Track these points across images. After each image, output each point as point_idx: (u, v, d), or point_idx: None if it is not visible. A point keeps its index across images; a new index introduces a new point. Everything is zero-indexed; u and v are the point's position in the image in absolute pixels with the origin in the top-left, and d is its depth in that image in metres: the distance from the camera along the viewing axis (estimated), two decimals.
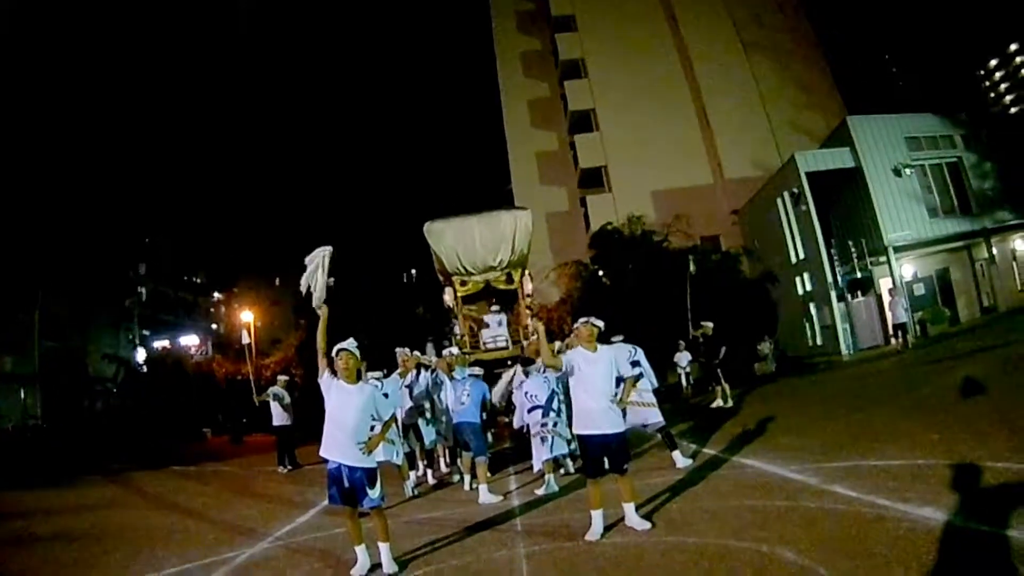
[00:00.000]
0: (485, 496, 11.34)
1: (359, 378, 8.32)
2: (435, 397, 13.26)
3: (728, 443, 12.93)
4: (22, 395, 47.67)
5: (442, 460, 14.25)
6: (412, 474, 13.24)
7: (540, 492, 11.18)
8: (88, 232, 51.30)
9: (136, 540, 10.82)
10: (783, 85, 47.86)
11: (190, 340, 58.49)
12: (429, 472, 14.16)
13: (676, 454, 11.72)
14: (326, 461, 7.77)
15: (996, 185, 33.39)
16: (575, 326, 8.60)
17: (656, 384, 12.18)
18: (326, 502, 9.25)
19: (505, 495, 11.54)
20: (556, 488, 11.27)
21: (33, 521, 12.88)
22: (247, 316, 42.35)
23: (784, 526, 7.07)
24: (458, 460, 13.38)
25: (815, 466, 9.53)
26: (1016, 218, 32.51)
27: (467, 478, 12.37)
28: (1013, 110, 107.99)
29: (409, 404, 13.28)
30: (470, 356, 16.34)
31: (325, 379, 7.82)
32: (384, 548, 7.75)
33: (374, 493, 7.70)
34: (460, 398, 12.52)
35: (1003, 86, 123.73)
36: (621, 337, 13.01)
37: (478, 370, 13.67)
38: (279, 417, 18.74)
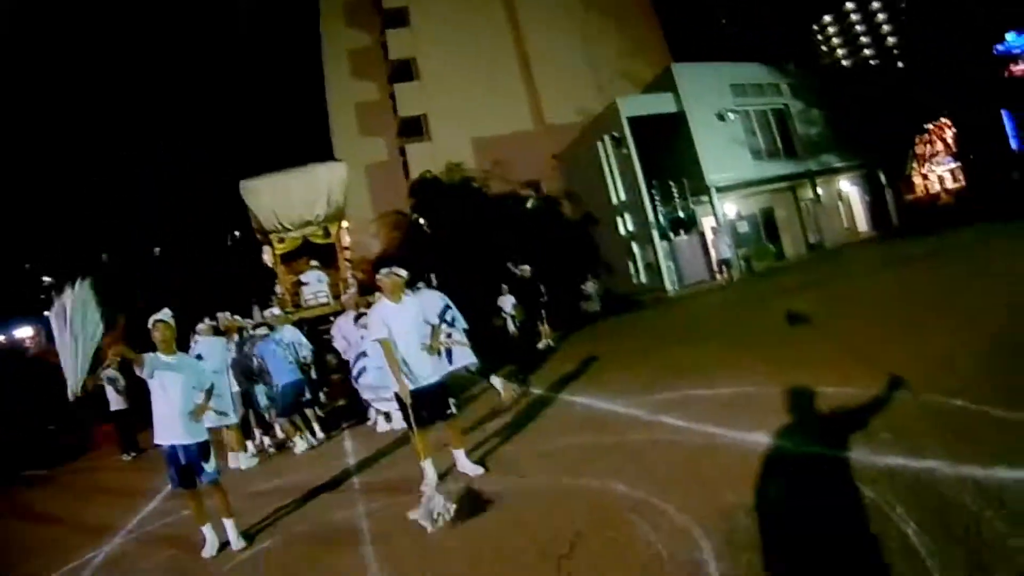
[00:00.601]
0: (300, 446, 12.11)
1: (177, 349, 7.93)
2: (263, 361, 12.79)
3: (555, 382, 13.05)
4: None
5: (277, 426, 13.85)
6: (249, 443, 13.08)
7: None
8: None
9: None
10: (609, 33, 48.60)
11: (24, 331, 55.18)
12: (266, 439, 13.90)
13: (494, 379, 11.57)
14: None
15: (823, 132, 36.02)
16: (378, 278, 8.37)
17: (466, 325, 12.16)
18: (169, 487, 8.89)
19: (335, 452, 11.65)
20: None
21: None
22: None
23: (615, 460, 7.16)
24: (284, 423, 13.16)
25: (643, 399, 9.67)
26: (842, 162, 34.42)
27: (298, 438, 12.33)
28: (845, 63, 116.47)
29: (235, 370, 12.92)
30: (293, 315, 16.04)
31: (144, 364, 7.42)
32: (229, 524, 7.63)
33: (210, 467, 7.58)
34: (286, 359, 12.48)
35: (836, 40, 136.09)
36: (421, 285, 12.96)
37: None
38: (115, 402, 17.84)
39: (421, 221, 35.53)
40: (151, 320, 7.62)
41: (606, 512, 5.78)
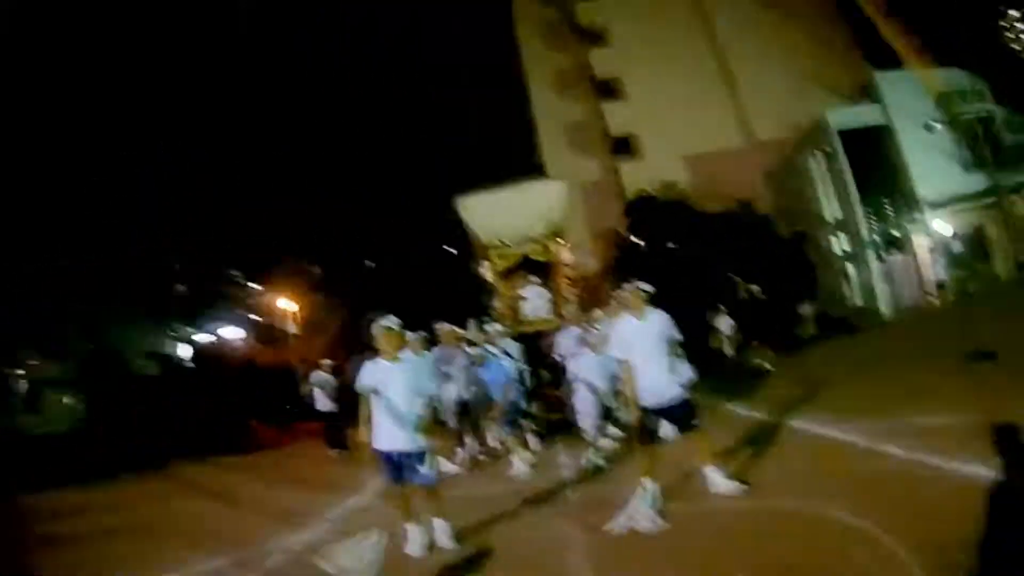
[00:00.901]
0: (518, 466, 11.68)
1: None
2: (482, 373, 13.25)
3: (775, 405, 12.85)
4: (64, 400, 48.65)
5: (489, 435, 14.29)
6: (459, 450, 13.38)
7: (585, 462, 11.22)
8: (119, 232, 51.77)
9: (189, 532, 11.00)
10: (806, 42, 47.06)
11: (232, 332, 58.90)
12: (477, 447, 14.12)
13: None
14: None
15: None
16: (619, 292, 8.35)
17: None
18: (377, 483, 9.35)
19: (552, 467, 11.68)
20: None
21: (86, 518, 13.12)
22: (287, 304, 42.79)
23: (835, 487, 7.04)
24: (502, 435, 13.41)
25: (862, 426, 9.39)
26: None
27: (515, 457, 12.20)
28: None
29: (451, 381, 13.38)
30: (511, 330, 16.41)
31: (363, 374, 7.79)
32: (440, 524, 7.78)
33: (426, 470, 7.70)
34: (505, 372, 12.82)
35: None
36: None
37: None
38: (323, 404, 18.67)
39: (636, 240, 35.48)
40: (376, 326, 7.82)
41: (821, 539, 5.75)
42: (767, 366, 18.91)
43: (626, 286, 8.39)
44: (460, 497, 10.33)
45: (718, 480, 7.91)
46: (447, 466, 12.48)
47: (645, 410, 7.90)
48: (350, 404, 18.23)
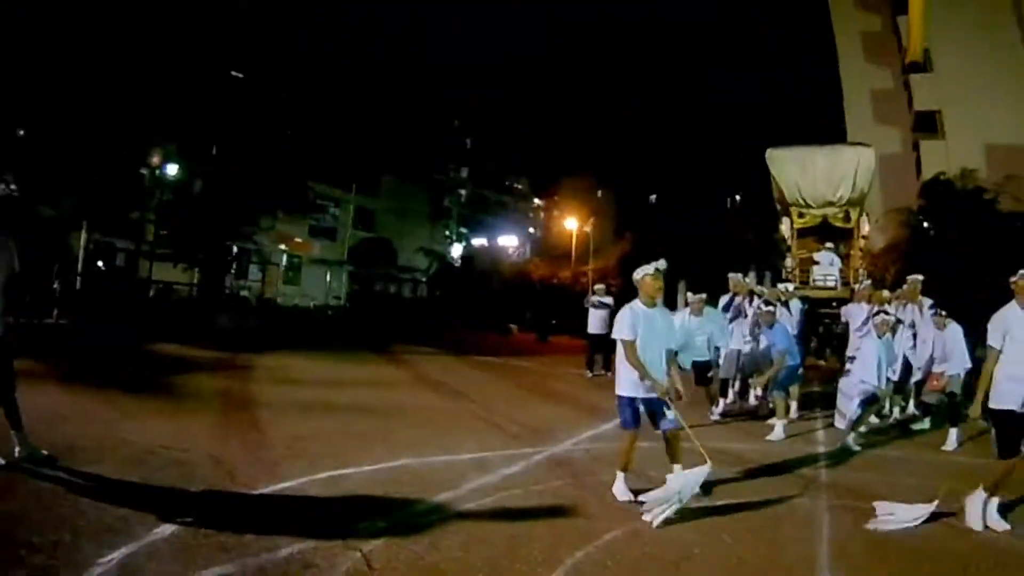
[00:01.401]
0: (778, 431, 11.29)
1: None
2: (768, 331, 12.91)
3: None
4: (327, 277, 52.15)
5: (753, 392, 14.01)
6: (722, 401, 13.30)
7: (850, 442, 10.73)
8: (408, 131, 54.05)
9: (429, 421, 11.54)
10: None
11: (508, 240, 60.68)
12: (739, 401, 14.13)
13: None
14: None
15: None
16: (1014, 280, 7.31)
17: None
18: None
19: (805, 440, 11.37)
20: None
21: (327, 391, 13.96)
22: (569, 223, 43.53)
23: None
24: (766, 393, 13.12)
25: None
26: None
27: (777, 422, 11.76)
28: None
29: (732, 330, 13.34)
30: (799, 291, 15.97)
31: (623, 319, 7.51)
32: (678, 470, 7.48)
33: (672, 416, 7.52)
34: (789, 333, 12.50)
35: None
36: (931, 302, 12.53)
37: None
38: (597, 325, 18.78)
39: (926, 224, 33.17)
40: (645, 269, 7.61)
41: None
42: None
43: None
44: (713, 448, 10.27)
45: None
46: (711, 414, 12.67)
47: (1009, 417, 6.83)
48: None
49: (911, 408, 13.29)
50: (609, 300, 19.01)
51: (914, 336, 12.70)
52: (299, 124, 34.62)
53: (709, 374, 12.98)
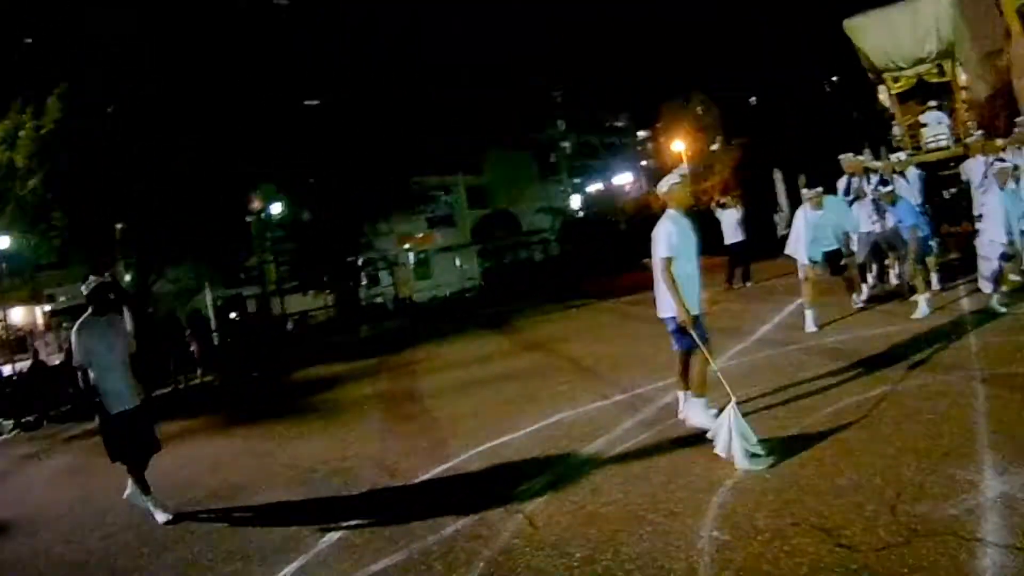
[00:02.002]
0: (922, 308, 10.87)
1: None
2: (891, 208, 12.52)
3: None
4: (456, 263, 52.70)
5: (891, 272, 13.60)
6: (864, 287, 13.02)
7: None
8: (496, 99, 53.81)
9: (578, 372, 11.64)
10: None
11: (623, 179, 60.30)
12: (878, 283, 13.80)
13: None
14: None
15: None
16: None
17: None
18: (777, 320, 9.36)
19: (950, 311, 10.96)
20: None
21: (475, 369, 14.14)
22: (677, 146, 43.09)
23: None
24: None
25: None
26: None
27: (920, 297, 11.29)
28: None
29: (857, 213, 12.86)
30: (913, 158, 15.37)
31: (664, 235, 6.99)
32: (684, 399, 7.37)
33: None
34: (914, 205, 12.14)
35: None
36: None
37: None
38: (731, 235, 18.65)
39: None
40: (670, 179, 7.27)
41: None
42: None
43: None
44: (861, 335, 10.16)
45: None
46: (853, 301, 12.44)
47: None
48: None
49: None
50: (733, 209, 18.82)
51: None
52: (383, 122, 34.87)
53: (842, 262, 12.57)
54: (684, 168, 7.61)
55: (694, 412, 6.95)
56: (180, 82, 23.72)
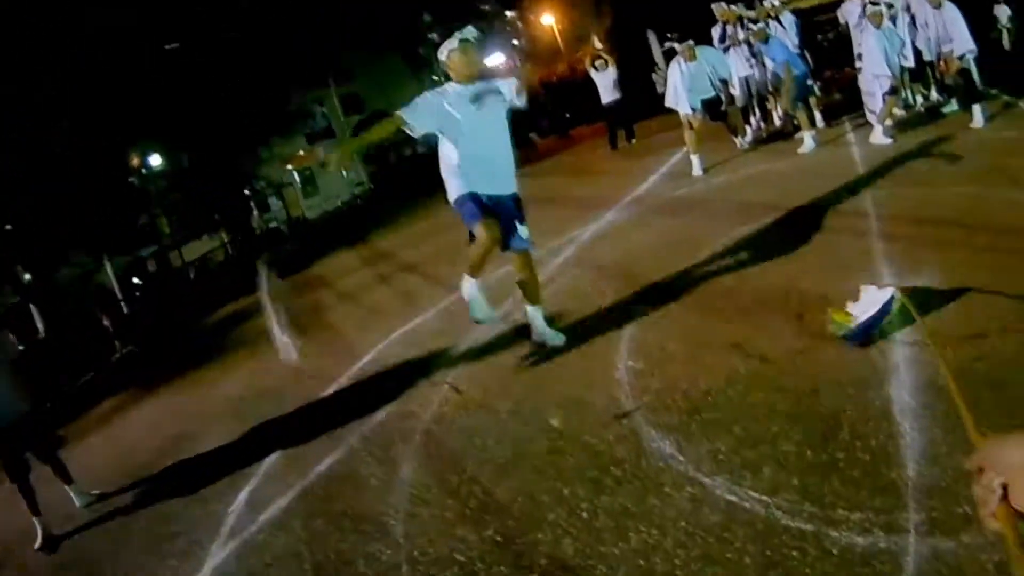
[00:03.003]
0: (808, 143, 11.22)
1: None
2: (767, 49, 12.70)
3: None
4: (343, 173, 51.90)
5: (775, 113, 13.93)
6: (747, 129, 13.35)
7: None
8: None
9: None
10: None
11: (495, 60, 59.78)
12: (763, 125, 14.08)
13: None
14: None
15: None
16: None
17: None
18: (663, 170, 10.08)
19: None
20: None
21: (378, 267, 14.21)
22: (547, 19, 42.98)
23: None
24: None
25: None
26: None
27: (804, 134, 11.60)
28: None
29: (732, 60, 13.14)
30: (787, 4, 15.52)
31: (421, 106, 5.85)
32: (534, 313, 6.06)
33: (524, 230, 5.93)
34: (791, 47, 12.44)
35: None
36: None
37: None
38: (607, 95, 18.47)
39: None
40: (448, 44, 5.94)
41: None
42: None
43: None
44: (749, 174, 10.54)
45: None
46: (737, 144, 12.79)
47: None
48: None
49: (935, 94, 12.97)
50: (609, 70, 18.60)
51: (913, 20, 12.32)
52: (245, 50, 33.86)
53: (722, 108, 12.80)
54: (470, 31, 6.95)
55: (465, 287, 5.83)
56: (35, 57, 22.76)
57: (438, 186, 5.90)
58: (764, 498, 3.32)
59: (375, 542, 3.96)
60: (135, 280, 34.86)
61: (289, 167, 49.05)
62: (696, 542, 3.17)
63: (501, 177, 5.82)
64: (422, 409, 5.44)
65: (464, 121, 5.68)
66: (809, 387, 4.11)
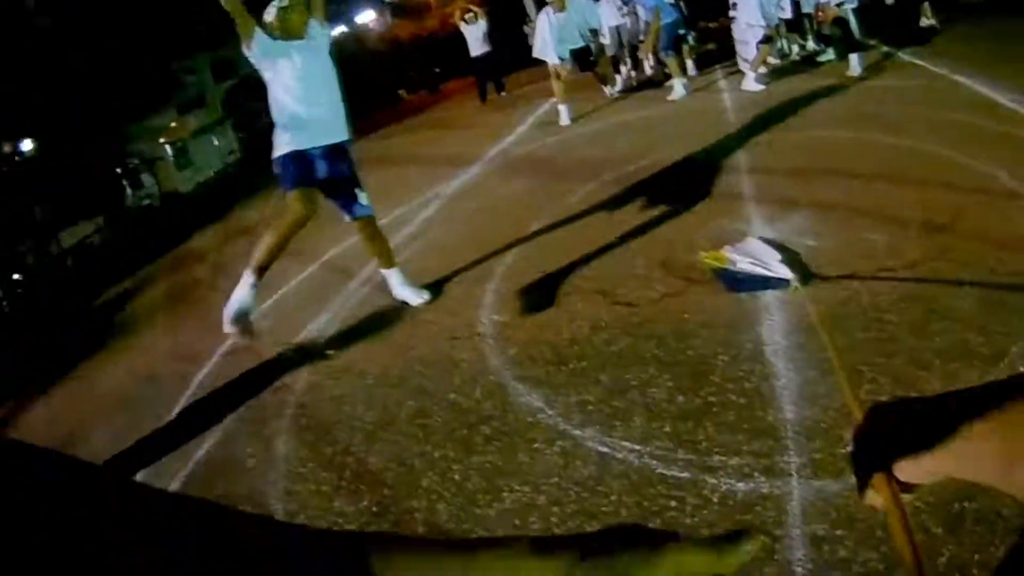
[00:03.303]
0: (678, 90, 11.36)
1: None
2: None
3: (938, 58, 11.25)
4: (215, 142, 50.55)
5: (647, 63, 13.97)
6: (618, 77, 13.39)
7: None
8: None
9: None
10: None
11: (365, 17, 58.88)
12: (633, 74, 14.11)
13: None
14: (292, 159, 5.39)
15: None
16: None
17: None
18: (532, 120, 10.17)
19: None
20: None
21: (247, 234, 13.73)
22: None
23: (1002, 150, 6.11)
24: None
25: None
26: None
27: (675, 81, 11.75)
28: None
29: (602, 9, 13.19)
30: None
31: (254, 46, 5.40)
32: (394, 277, 5.82)
33: (364, 196, 5.60)
34: None
35: None
36: None
37: None
38: (476, 47, 18.28)
39: None
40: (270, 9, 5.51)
41: (987, 196, 5.16)
42: (934, 24, 16.34)
43: None
44: (617, 121, 10.55)
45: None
46: (607, 91, 12.76)
47: None
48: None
49: (811, 44, 13.14)
50: (480, 23, 18.31)
51: None
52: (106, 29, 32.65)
53: (591, 58, 12.79)
54: None
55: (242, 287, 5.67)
56: None
57: None
58: (637, 447, 3.28)
59: None
60: (15, 276, 33.62)
61: (162, 140, 47.72)
62: (570, 497, 3.12)
63: (332, 126, 5.46)
64: (293, 381, 5.25)
65: (287, 67, 5.39)
66: (677, 331, 4.08)
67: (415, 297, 5.67)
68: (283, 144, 5.37)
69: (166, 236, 22.56)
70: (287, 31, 5.41)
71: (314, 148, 5.32)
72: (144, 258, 19.94)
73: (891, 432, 0.76)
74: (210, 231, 18.34)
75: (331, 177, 5.36)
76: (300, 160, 5.29)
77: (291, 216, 5.15)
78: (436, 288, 5.85)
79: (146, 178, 45.20)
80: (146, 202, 42.00)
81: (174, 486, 4.66)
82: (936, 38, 12.11)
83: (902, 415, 0.76)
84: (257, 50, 5.38)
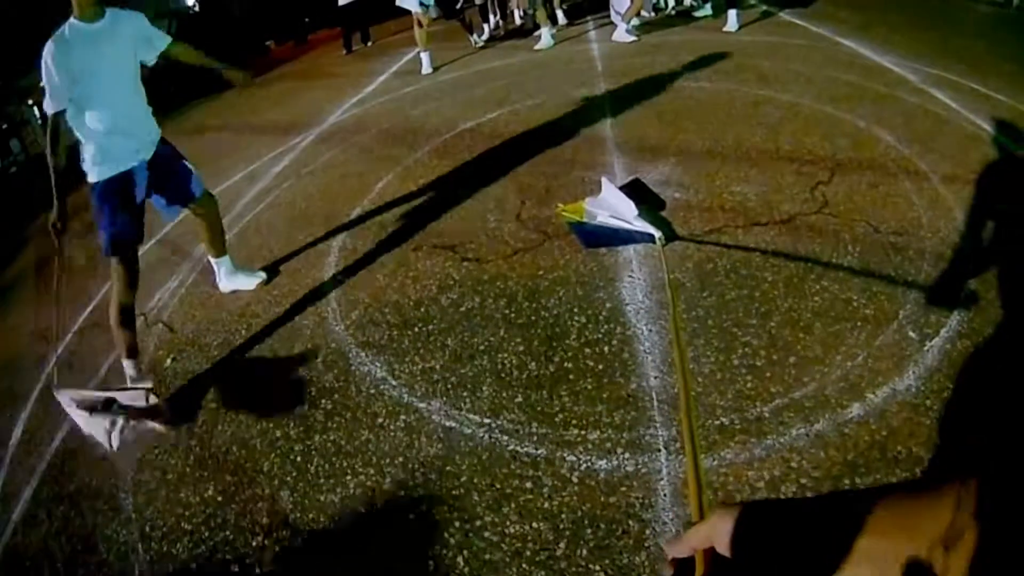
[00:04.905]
0: (545, 39, 10.99)
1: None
2: None
3: (821, 20, 11.06)
4: None
5: (516, 13, 13.63)
6: (485, 26, 12.95)
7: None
8: None
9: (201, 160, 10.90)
10: None
11: None
12: (501, 23, 13.81)
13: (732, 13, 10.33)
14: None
15: None
16: None
17: None
18: (393, 69, 10.25)
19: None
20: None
21: None
22: None
23: (881, 109, 6.15)
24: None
25: (914, 64, 7.95)
26: None
27: (542, 31, 11.26)
28: None
29: None
30: None
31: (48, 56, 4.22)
32: (225, 266, 5.03)
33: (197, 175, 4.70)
34: None
35: None
36: None
37: None
38: None
39: None
40: None
41: (869, 154, 5.07)
42: None
43: None
44: (481, 69, 10.21)
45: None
46: (473, 39, 12.31)
47: None
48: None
49: None
50: None
51: None
52: None
53: (457, 6, 12.37)
54: None
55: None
56: None
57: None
58: (487, 421, 2.98)
59: (110, 522, 3.36)
60: None
61: (29, 102, 45.15)
62: (417, 479, 2.81)
63: (144, 134, 4.46)
64: (140, 356, 4.70)
65: (91, 80, 4.23)
66: (530, 289, 3.76)
67: (247, 282, 4.97)
68: (98, 170, 4.46)
69: (32, 202, 21.37)
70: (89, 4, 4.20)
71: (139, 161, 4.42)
72: (8, 225, 18.87)
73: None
74: (80, 195, 17.33)
75: (161, 177, 4.50)
76: (120, 185, 4.46)
77: (120, 283, 4.29)
78: (277, 264, 5.24)
79: (14, 144, 42.85)
80: (13, 170, 39.80)
81: (34, 483, 4.21)
82: (820, 1, 12.01)
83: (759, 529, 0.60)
84: (69, 75, 4.23)
